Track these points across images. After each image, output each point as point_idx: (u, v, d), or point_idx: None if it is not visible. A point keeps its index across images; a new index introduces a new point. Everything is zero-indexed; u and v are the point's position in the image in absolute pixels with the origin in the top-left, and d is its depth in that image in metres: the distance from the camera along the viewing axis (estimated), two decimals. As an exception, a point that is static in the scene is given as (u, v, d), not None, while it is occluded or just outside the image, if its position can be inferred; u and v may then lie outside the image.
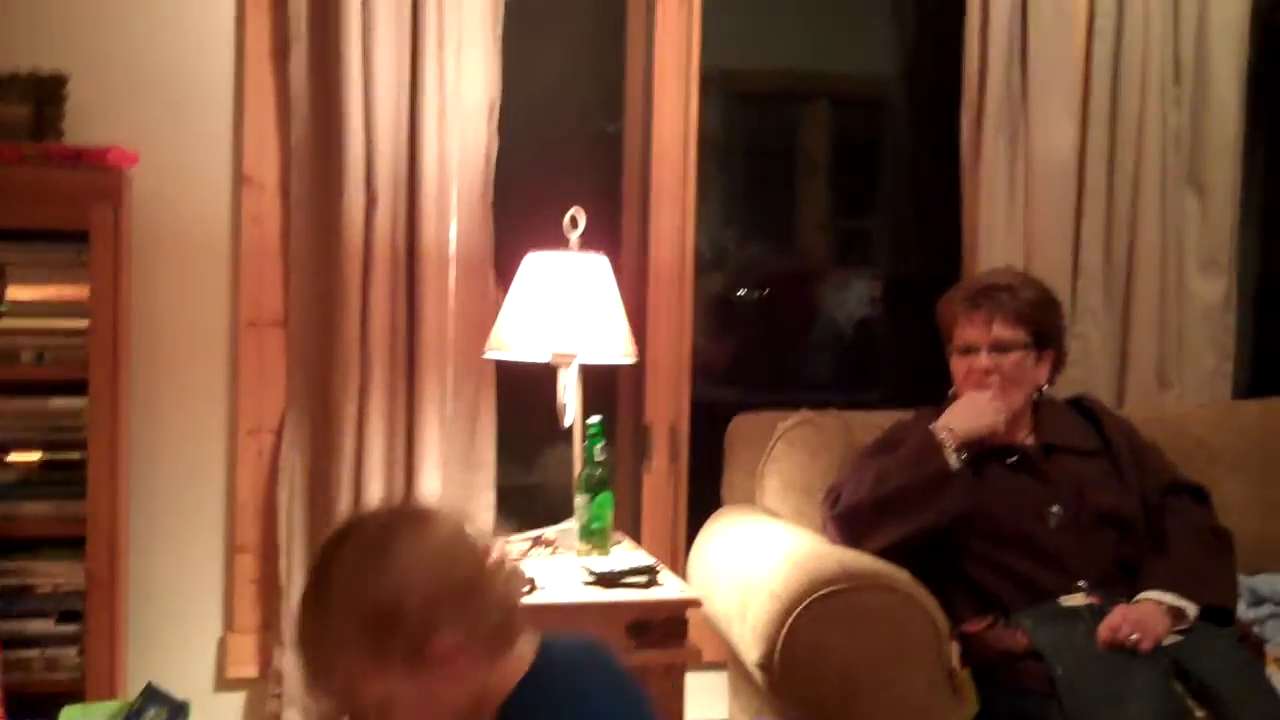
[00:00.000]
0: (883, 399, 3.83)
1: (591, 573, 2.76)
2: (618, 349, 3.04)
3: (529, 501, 3.61)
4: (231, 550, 3.31)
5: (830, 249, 4.18)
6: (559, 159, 3.76)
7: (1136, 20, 3.58)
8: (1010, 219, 3.56)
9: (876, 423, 3.10)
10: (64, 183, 2.91)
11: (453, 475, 3.29)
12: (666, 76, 3.53)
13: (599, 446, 2.93)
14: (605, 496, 2.91)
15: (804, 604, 2.47)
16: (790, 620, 2.47)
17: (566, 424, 3.08)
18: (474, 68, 3.25)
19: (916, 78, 4.12)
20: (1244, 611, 2.90)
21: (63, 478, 2.94)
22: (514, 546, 3.03)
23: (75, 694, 2.87)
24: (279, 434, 3.26)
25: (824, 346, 4.13)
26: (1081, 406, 3.03)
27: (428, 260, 3.22)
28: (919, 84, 4.11)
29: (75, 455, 2.93)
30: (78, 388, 2.91)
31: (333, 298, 3.20)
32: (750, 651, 2.59)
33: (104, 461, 2.91)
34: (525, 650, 1.76)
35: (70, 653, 2.93)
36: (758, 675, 2.60)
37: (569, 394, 3.06)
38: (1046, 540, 2.74)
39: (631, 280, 3.53)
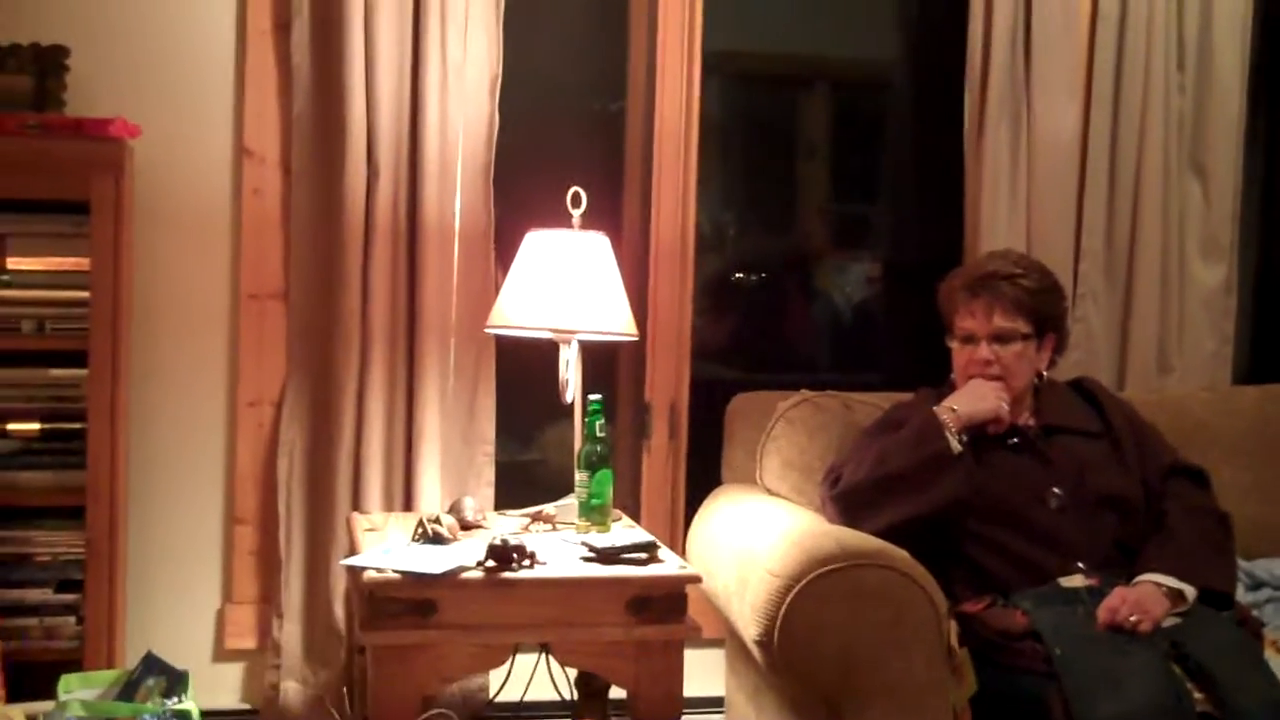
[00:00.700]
0: (883, 382, 3.82)
1: (591, 549, 2.76)
2: (618, 326, 3.04)
3: (529, 478, 3.61)
4: (231, 522, 3.31)
5: (831, 232, 4.18)
6: (560, 138, 3.75)
7: (1140, 5, 3.58)
8: (1013, 202, 3.56)
9: (876, 403, 3.10)
10: (65, 154, 2.91)
11: (452, 450, 3.29)
12: (669, 57, 3.52)
13: (599, 423, 2.93)
14: (605, 473, 2.91)
15: (803, 582, 2.47)
16: (789, 598, 2.47)
17: (567, 400, 3.08)
18: (476, 43, 3.24)
19: (919, 61, 4.11)
20: (1242, 596, 2.90)
21: (62, 448, 2.95)
22: (514, 521, 3.04)
23: (74, 663, 2.89)
24: (279, 407, 3.27)
25: (824, 329, 4.13)
26: (1082, 389, 3.03)
27: (429, 235, 3.22)
28: (921, 67, 4.10)
29: (75, 425, 2.94)
30: (78, 358, 2.92)
31: (333, 271, 3.20)
32: (749, 629, 2.60)
33: (104, 432, 2.92)
34: None
35: (69, 621, 2.94)
36: (756, 652, 2.61)
37: (570, 370, 3.06)
38: (1046, 521, 2.74)
39: (632, 259, 3.53)
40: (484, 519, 3.06)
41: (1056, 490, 2.77)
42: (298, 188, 3.23)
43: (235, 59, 3.26)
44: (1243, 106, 3.70)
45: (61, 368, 2.93)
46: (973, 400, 2.80)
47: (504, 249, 3.24)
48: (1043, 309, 2.89)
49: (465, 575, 2.60)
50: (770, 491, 3.08)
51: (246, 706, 3.34)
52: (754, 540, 2.73)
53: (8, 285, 2.92)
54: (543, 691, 3.18)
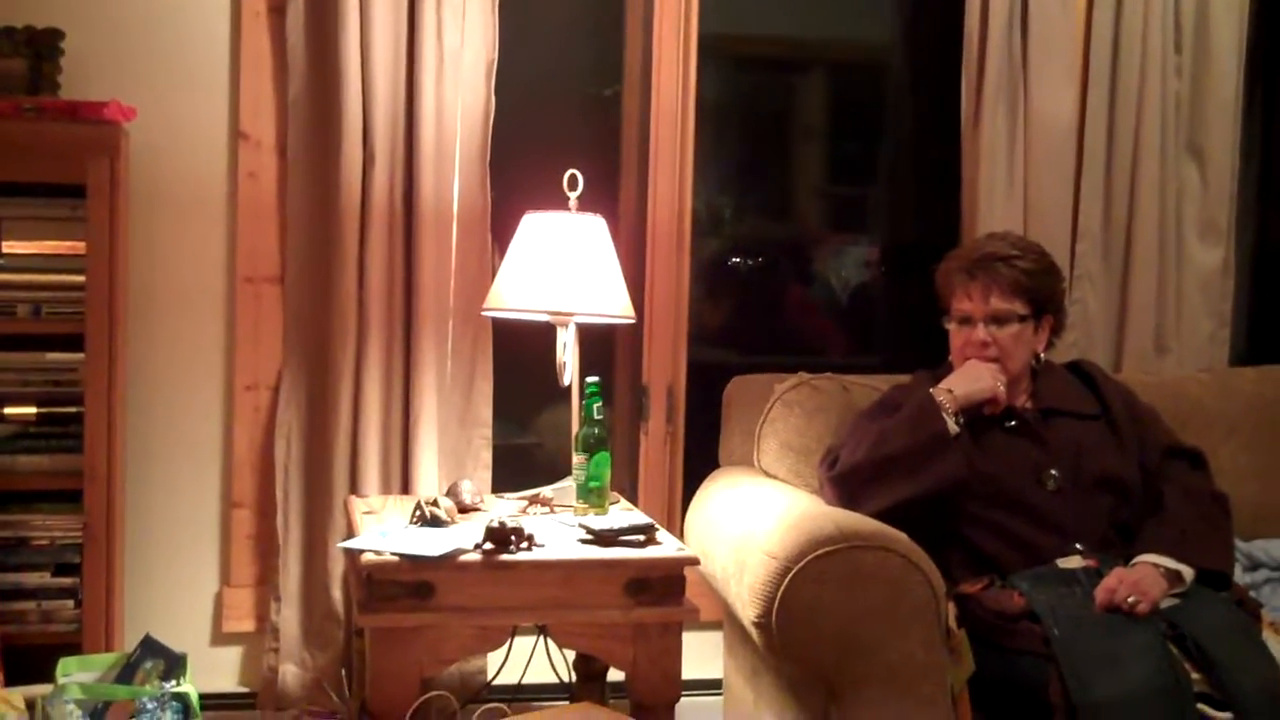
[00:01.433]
0: (880, 364, 3.82)
1: (589, 531, 2.76)
2: (616, 309, 3.04)
3: (526, 460, 3.61)
4: (228, 505, 3.31)
5: (828, 215, 4.18)
6: (557, 121, 3.75)
7: (1138, -14, 3.57)
8: (1010, 185, 3.55)
9: (874, 386, 3.10)
10: (61, 137, 2.90)
11: (450, 433, 3.29)
12: (665, 40, 3.51)
13: (597, 406, 2.93)
14: (603, 455, 2.91)
15: (801, 564, 2.47)
16: (787, 580, 2.47)
17: (565, 383, 3.08)
18: (473, 27, 3.24)
19: (915, 44, 4.10)
20: (1240, 577, 2.91)
21: (60, 431, 2.96)
22: (512, 504, 3.04)
23: (72, 646, 2.89)
24: (276, 390, 3.26)
25: (821, 312, 4.13)
26: (1080, 371, 3.03)
27: (425, 218, 3.22)
28: (918, 50, 4.10)
29: (72, 409, 2.94)
30: (74, 342, 2.92)
31: (330, 255, 3.19)
32: (747, 611, 2.60)
33: (101, 415, 2.92)
34: None
35: (67, 605, 2.95)
36: (754, 634, 2.61)
37: (568, 353, 3.06)
38: (1044, 503, 2.75)
39: (629, 242, 3.53)
40: (482, 502, 3.06)
41: (1054, 472, 2.77)
42: (293, 171, 3.23)
43: (230, 42, 3.25)
44: (1239, 88, 3.70)
45: (58, 351, 2.93)
46: (969, 381, 2.80)
47: (501, 232, 3.23)
48: (1040, 291, 2.88)
49: (463, 558, 2.61)
50: (768, 474, 3.08)
51: (245, 689, 3.34)
52: (752, 522, 2.73)
53: (3, 269, 2.91)
54: (541, 674, 3.19)
